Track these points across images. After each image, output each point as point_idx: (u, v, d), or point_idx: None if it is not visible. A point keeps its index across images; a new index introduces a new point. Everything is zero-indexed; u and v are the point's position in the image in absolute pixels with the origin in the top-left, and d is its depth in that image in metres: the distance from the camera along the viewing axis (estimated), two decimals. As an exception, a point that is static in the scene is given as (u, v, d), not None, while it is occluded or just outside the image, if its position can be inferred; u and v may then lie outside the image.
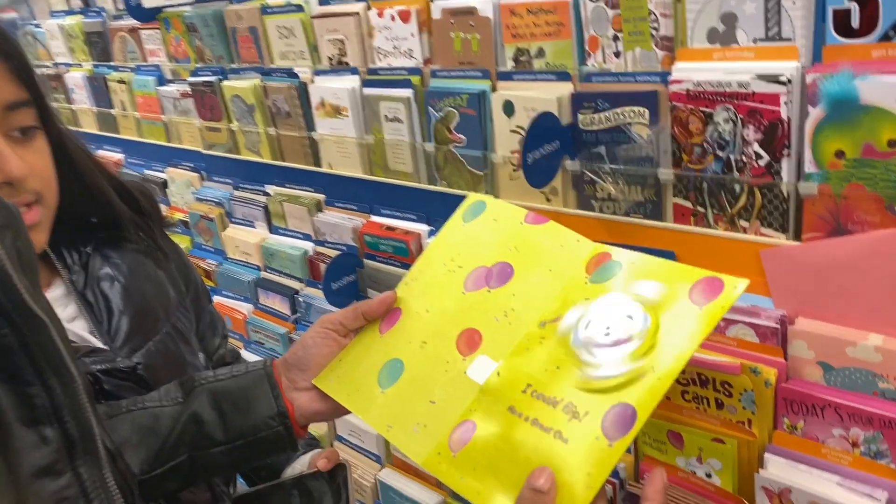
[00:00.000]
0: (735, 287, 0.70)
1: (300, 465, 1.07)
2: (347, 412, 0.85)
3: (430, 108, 1.32)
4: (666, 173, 1.03)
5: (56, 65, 2.53)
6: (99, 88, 2.33)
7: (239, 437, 0.84)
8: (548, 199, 1.20)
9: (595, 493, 0.66)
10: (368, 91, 1.43)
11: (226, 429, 0.84)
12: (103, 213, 0.98)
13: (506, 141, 1.22)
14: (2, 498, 0.56)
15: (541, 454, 0.69)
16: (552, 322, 0.78)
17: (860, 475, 0.84)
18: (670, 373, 0.68)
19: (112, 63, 2.29)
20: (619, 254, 0.80)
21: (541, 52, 1.17)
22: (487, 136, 1.26)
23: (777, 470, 0.89)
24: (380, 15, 1.38)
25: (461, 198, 0.94)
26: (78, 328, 0.92)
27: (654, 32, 1.02)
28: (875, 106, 0.81)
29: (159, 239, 1.06)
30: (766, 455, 0.91)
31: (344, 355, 0.88)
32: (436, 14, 1.30)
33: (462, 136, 1.29)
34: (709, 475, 0.97)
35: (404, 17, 1.34)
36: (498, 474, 0.71)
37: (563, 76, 1.13)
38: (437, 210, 1.39)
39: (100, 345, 0.92)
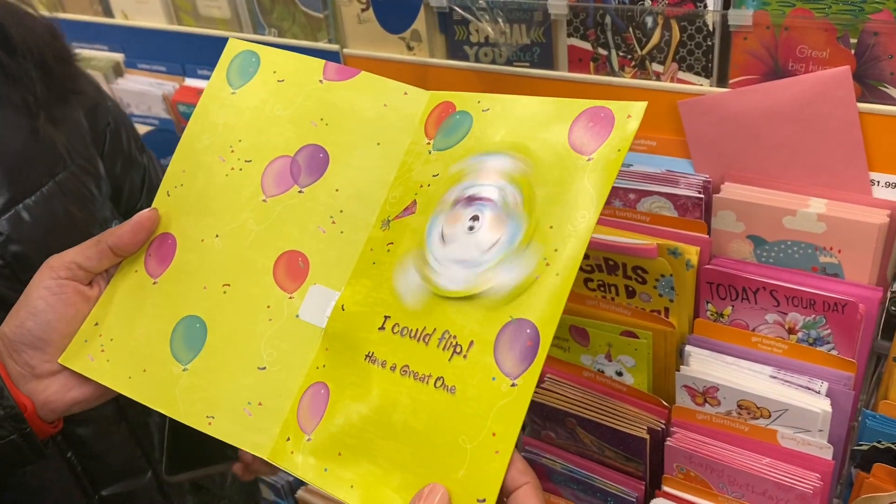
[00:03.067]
0: (627, 115, 0.52)
1: None
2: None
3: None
4: (558, 6, 0.81)
5: None
6: None
7: None
8: (409, 48, 0.94)
9: (509, 459, 0.47)
10: None
11: None
12: None
13: (349, -29, 0.93)
14: None
15: (424, 417, 0.50)
16: (399, 218, 0.57)
17: (797, 364, 0.72)
18: (570, 263, 0.49)
19: None
20: (465, 100, 0.59)
21: None
22: (325, -36, 0.96)
23: (700, 365, 0.75)
24: None
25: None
26: None
27: None
28: None
29: (39, 88, 0.71)
30: (687, 348, 0.76)
31: (101, 316, 0.61)
32: None
33: (291, -33, 0.99)
34: (619, 374, 0.82)
35: None
36: (374, 456, 0.51)
37: None
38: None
39: None
